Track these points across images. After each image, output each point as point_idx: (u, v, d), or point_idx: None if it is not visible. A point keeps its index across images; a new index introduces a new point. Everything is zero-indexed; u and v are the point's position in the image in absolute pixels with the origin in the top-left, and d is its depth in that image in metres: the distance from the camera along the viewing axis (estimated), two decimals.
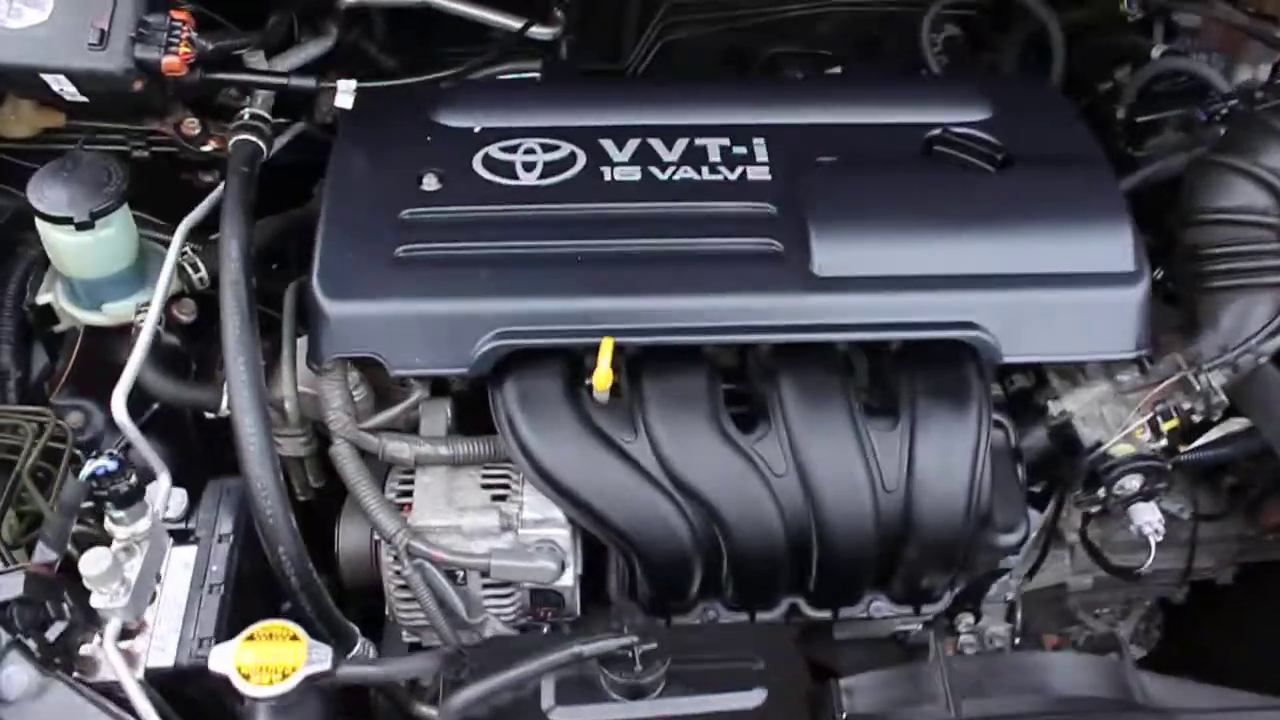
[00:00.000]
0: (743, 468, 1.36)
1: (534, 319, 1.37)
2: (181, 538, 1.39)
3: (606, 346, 1.32)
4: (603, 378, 1.32)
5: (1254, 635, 2.07)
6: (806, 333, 1.40)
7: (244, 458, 1.28)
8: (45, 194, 1.42)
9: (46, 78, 1.43)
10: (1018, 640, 1.73)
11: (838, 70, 1.95)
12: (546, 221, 1.44)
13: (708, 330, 1.39)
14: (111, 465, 1.18)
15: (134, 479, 1.20)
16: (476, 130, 1.56)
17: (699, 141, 1.54)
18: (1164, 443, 1.52)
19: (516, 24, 1.80)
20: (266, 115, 1.56)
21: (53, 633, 1.16)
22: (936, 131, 1.57)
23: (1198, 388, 1.43)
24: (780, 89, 1.70)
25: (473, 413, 1.47)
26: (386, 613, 1.49)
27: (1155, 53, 1.83)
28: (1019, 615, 1.73)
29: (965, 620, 1.67)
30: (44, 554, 1.21)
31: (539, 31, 1.80)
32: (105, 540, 1.25)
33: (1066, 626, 1.90)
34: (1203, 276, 1.52)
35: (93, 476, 1.18)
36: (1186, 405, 1.46)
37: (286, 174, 1.67)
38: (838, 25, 2.11)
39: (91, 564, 1.17)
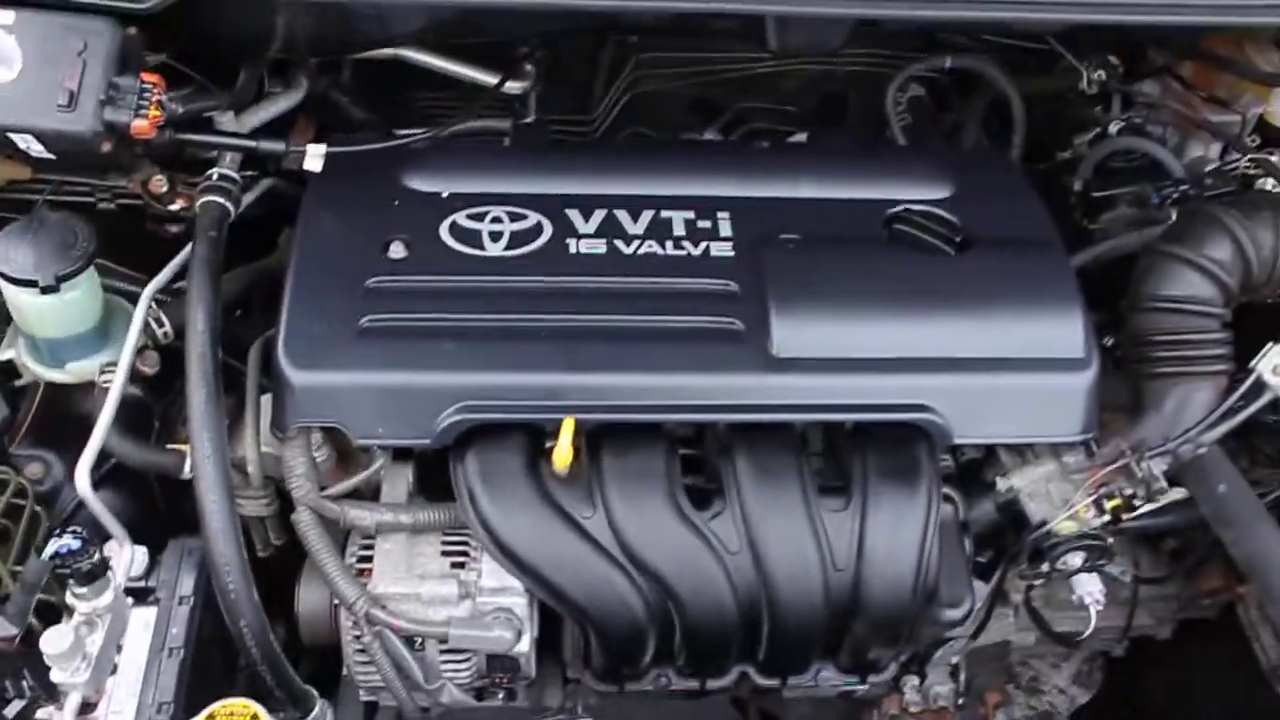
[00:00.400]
0: (697, 546, 1.39)
1: (496, 393, 1.39)
2: (141, 596, 1.41)
3: (567, 427, 1.36)
4: (562, 458, 1.35)
5: (1191, 685, 2.14)
6: (763, 413, 1.43)
7: (207, 533, 1.29)
8: (10, 256, 1.42)
9: (14, 136, 1.43)
10: (961, 699, 1.77)
11: (803, 137, 1.97)
12: (511, 294, 1.46)
13: (667, 409, 1.42)
14: (74, 544, 1.19)
15: (96, 556, 1.21)
16: (444, 195, 1.57)
17: (664, 214, 1.57)
18: (1106, 518, 1.57)
19: (487, 78, 1.82)
20: (234, 175, 1.57)
21: (11, 710, 1.17)
22: (898, 209, 1.61)
23: (1139, 475, 1.48)
24: (746, 159, 1.72)
25: (435, 472, 1.50)
26: (344, 671, 1.52)
27: (1113, 128, 1.88)
28: (962, 675, 1.78)
29: (910, 682, 1.71)
30: (4, 628, 1.22)
31: (509, 86, 1.82)
32: (66, 609, 1.26)
33: (1008, 681, 1.95)
34: (1148, 361, 1.57)
35: (55, 555, 1.19)
36: (1128, 490, 1.51)
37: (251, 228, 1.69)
38: (805, 82, 2.14)
39: (53, 643, 1.19)
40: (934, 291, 1.51)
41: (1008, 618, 1.86)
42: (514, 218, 1.55)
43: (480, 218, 1.54)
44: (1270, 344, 1.49)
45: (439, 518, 1.45)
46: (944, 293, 1.51)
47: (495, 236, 1.52)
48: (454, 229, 1.53)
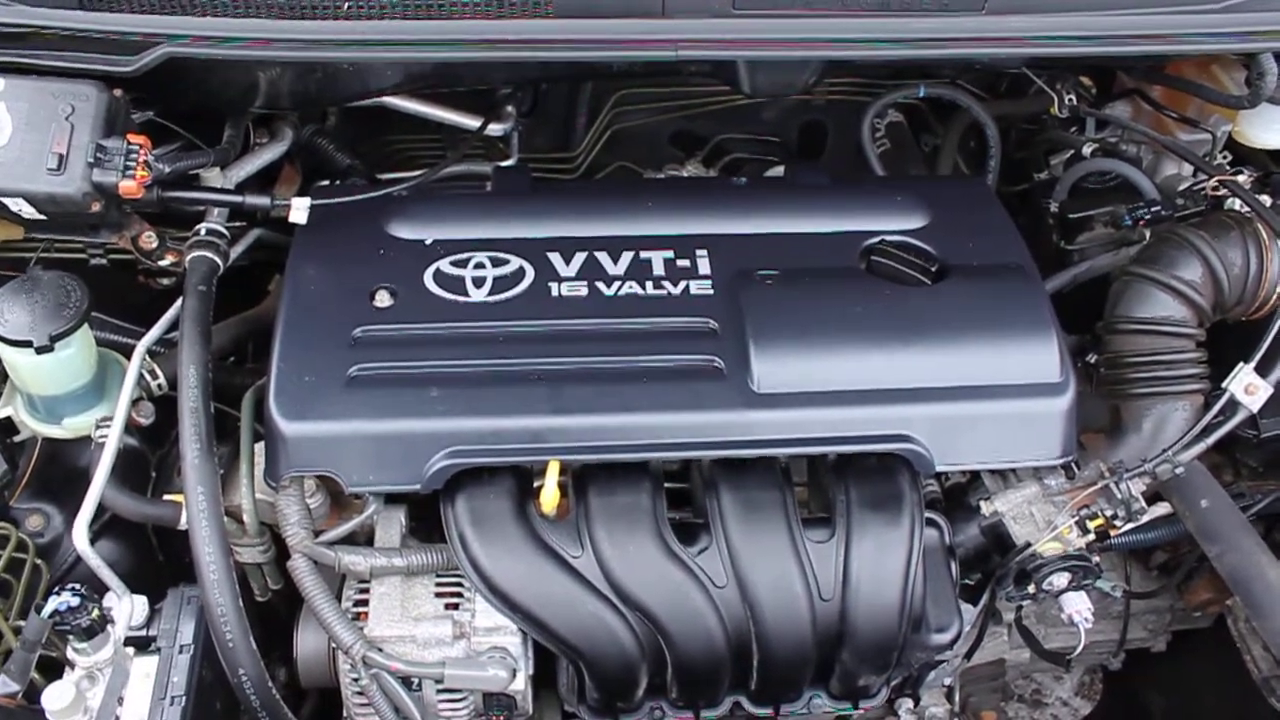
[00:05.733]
0: (685, 581, 1.42)
1: (484, 438, 1.42)
2: (142, 645, 1.44)
3: (553, 470, 1.38)
4: (549, 501, 1.38)
5: (1188, 696, 2.16)
6: (746, 448, 1.45)
7: (204, 585, 1.32)
8: (5, 317, 1.45)
9: (5, 200, 1.46)
10: (957, 719, 1.79)
11: (780, 170, 2.00)
12: (496, 339, 1.49)
13: (651, 448, 1.44)
14: (74, 601, 1.22)
15: (96, 612, 1.24)
16: (428, 243, 1.61)
17: (644, 255, 1.60)
18: (1091, 537, 1.59)
19: (469, 121, 1.85)
20: (222, 229, 1.60)
21: None
22: (875, 241, 1.64)
23: (1119, 495, 1.50)
24: (723, 196, 1.74)
25: (428, 512, 1.52)
26: (344, 713, 1.54)
27: (1086, 150, 1.91)
28: (957, 695, 1.80)
29: (905, 705, 1.73)
30: (6, 685, 1.25)
31: (492, 129, 1.86)
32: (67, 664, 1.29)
33: (1005, 699, 1.97)
34: (1125, 382, 1.60)
35: (55, 613, 1.22)
36: (1109, 511, 1.53)
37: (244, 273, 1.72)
38: (783, 112, 2.18)
39: (55, 699, 1.21)
40: (911, 322, 1.53)
41: (1001, 636, 1.89)
42: (496, 263, 1.58)
43: (463, 264, 1.57)
44: (1241, 364, 1.51)
45: (432, 560, 1.48)
46: (921, 323, 1.53)
47: (479, 282, 1.55)
48: (438, 276, 1.56)
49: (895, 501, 1.46)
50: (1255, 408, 1.50)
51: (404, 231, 1.62)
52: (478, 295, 1.54)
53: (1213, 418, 1.51)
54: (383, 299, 1.53)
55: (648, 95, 2.11)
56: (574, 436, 1.42)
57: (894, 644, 1.46)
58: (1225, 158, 1.89)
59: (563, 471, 1.43)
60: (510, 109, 1.88)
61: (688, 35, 1.49)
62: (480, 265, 1.57)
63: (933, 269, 1.60)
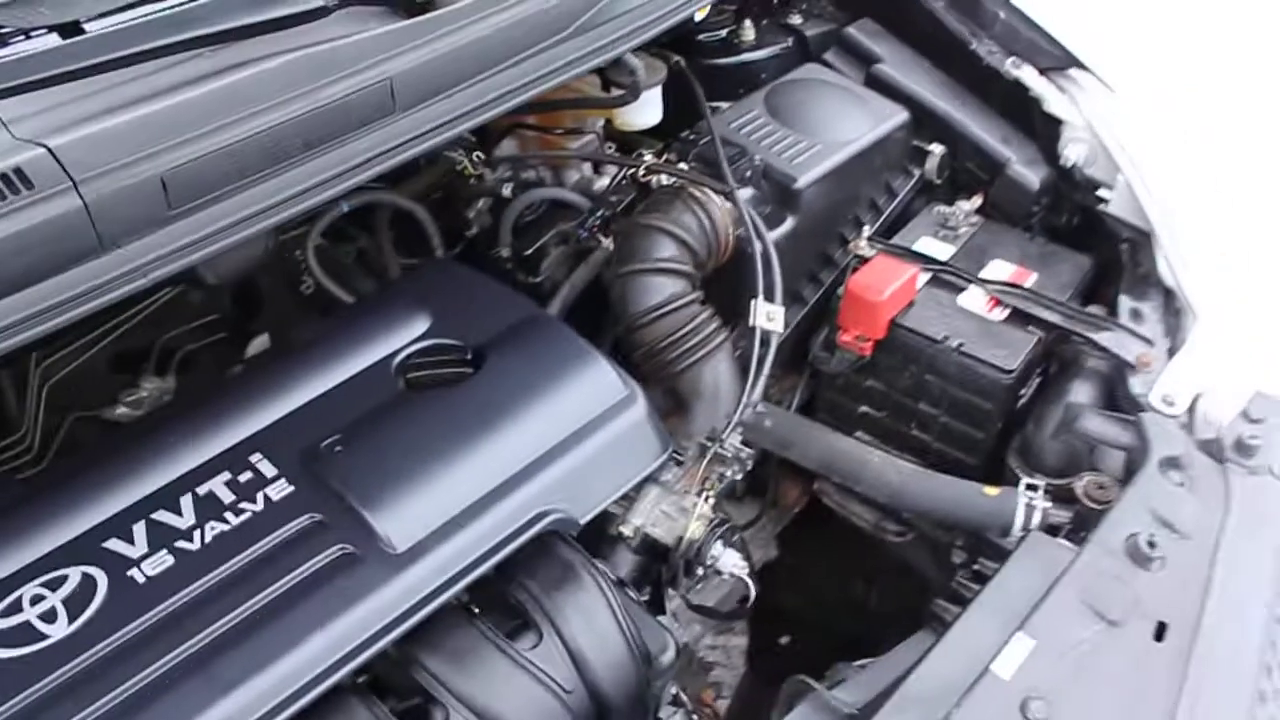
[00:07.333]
0: None
1: None
2: None
3: None
4: None
5: (809, 576, 2.43)
6: (423, 608, 1.39)
7: None
8: None
9: None
10: (695, 716, 1.88)
11: (265, 340, 1.91)
12: (109, 662, 1.28)
13: (338, 664, 1.33)
14: None
15: None
16: None
17: (201, 489, 1.46)
18: (712, 502, 1.74)
19: None
20: None
21: None
22: (401, 360, 1.63)
23: (729, 454, 1.66)
24: (235, 392, 1.63)
25: None
26: None
27: (505, 191, 2.03)
28: (682, 695, 1.88)
29: None
30: None
31: None
32: None
33: (708, 674, 2.10)
34: (669, 364, 1.76)
35: None
36: (725, 471, 1.68)
37: None
38: (210, 291, 2.06)
39: None
40: (484, 411, 1.56)
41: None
42: (53, 585, 1.35)
43: (16, 609, 1.33)
44: (752, 300, 1.73)
45: None
46: (492, 408, 1.57)
47: (48, 617, 1.32)
48: None
49: (570, 569, 1.50)
50: (780, 329, 1.73)
51: None
52: (57, 631, 1.31)
53: (760, 353, 1.72)
54: None
55: (71, 338, 1.90)
56: (261, 701, 1.27)
57: (644, 685, 1.50)
58: (612, 148, 2.11)
59: None
60: None
61: (131, 264, 1.37)
62: (37, 598, 1.33)
63: (468, 358, 1.64)
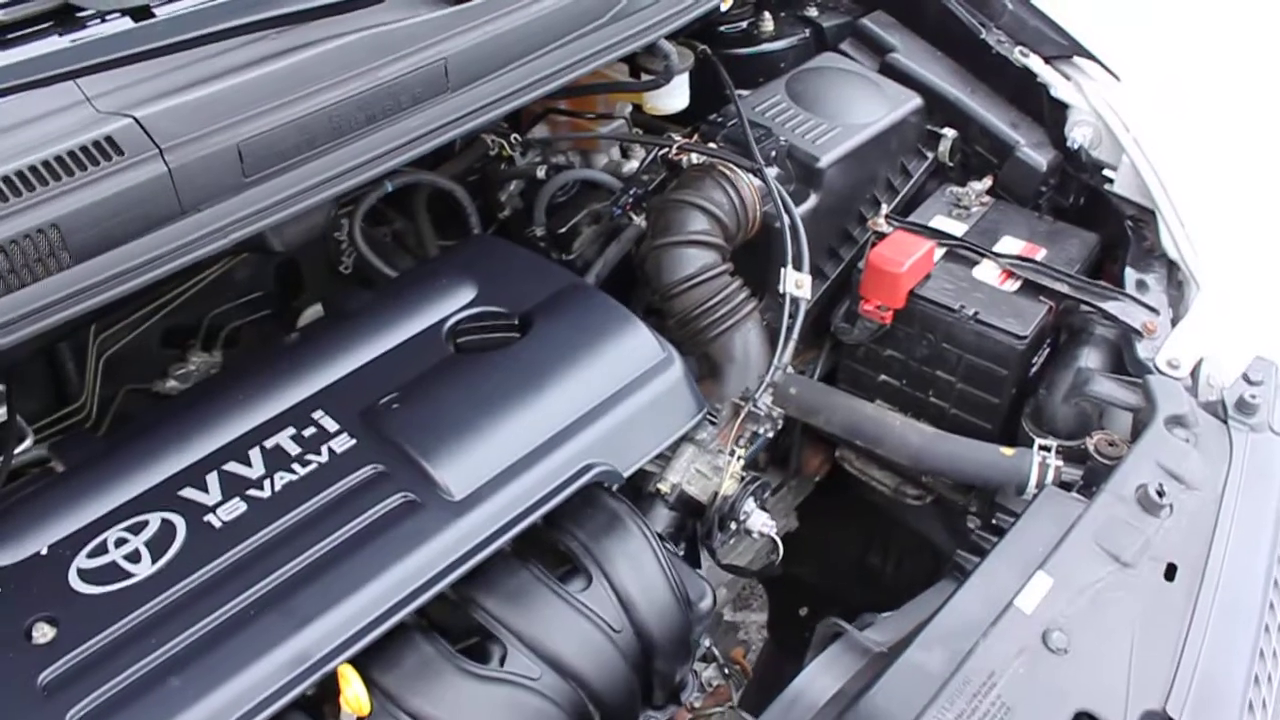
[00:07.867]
0: (506, 695, 1.43)
1: (252, 693, 1.31)
2: None
3: (346, 675, 1.33)
4: (358, 703, 1.32)
5: (829, 547, 2.52)
6: (480, 552, 1.48)
7: None
8: None
9: None
10: (727, 670, 1.97)
11: (319, 310, 2.00)
12: (192, 598, 1.37)
13: (402, 603, 1.41)
14: None
15: None
16: (44, 552, 1.43)
17: (269, 443, 1.56)
18: (742, 460, 1.83)
19: None
20: None
21: None
22: (451, 325, 1.73)
23: (761, 413, 1.75)
24: (298, 354, 1.72)
25: None
26: None
27: (540, 173, 2.13)
28: (715, 649, 1.97)
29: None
30: None
31: None
32: None
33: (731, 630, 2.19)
34: (702, 331, 1.86)
35: None
36: (757, 429, 1.77)
37: None
38: (255, 265, 2.16)
39: None
40: (530, 373, 1.65)
41: None
42: (136, 529, 1.44)
43: (102, 550, 1.42)
44: (781, 269, 1.83)
45: None
46: (538, 369, 1.66)
47: (133, 557, 1.41)
48: (84, 576, 1.39)
49: (616, 518, 1.59)
50: (808, 295, 1.83)
51: (6, 556, 1.42)
52: (142, 570, 1.40)
53: (789, 320, 1.81)
54: (43, 633, 1.34)
55: (126, 310, 1.99)
56: (333, 635, 1.37)
57: (687, 629, 1.59)
58: (639, 133, 2.21)
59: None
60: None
61: (209, 227, 1.47)
62: (121, 541, 1.43)
63: (515, 323, 1.73)
